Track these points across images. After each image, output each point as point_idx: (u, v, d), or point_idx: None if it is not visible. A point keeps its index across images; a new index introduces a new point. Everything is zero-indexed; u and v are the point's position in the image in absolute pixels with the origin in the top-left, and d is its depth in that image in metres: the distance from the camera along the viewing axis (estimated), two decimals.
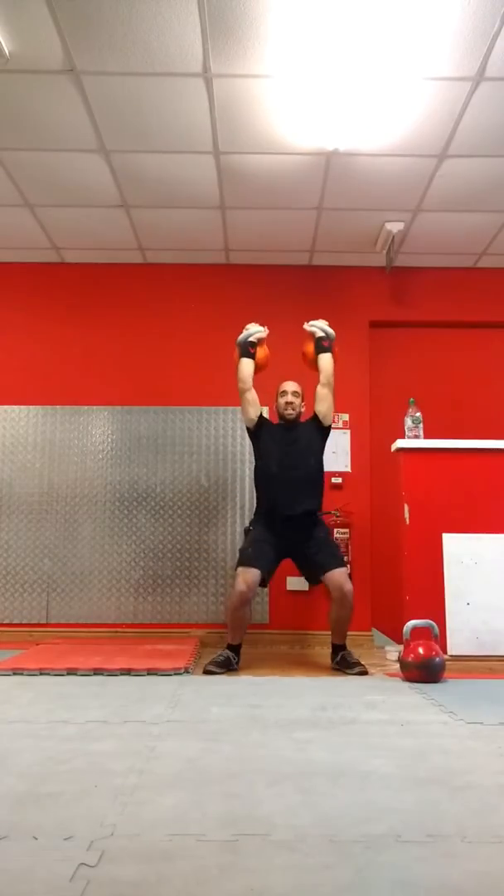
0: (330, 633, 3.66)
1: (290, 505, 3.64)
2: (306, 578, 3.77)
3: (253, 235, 4.61)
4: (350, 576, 4.51)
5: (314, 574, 3.64)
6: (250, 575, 3.51)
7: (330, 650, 3.64)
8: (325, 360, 3.81)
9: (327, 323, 3.89)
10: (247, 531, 3.83)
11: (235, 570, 3.65)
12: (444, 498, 3.77)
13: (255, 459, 3.85)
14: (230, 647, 3.56)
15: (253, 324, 3.88)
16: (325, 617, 3.68)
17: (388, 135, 3.51)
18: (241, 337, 3.82)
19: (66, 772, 1.83)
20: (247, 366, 3.78)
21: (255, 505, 3.96)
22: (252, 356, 3.81)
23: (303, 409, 3.86)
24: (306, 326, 3.91)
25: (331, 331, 3.85)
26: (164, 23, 2.80)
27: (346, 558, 4.53)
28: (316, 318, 4.91)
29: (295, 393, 3.82)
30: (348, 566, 4.54)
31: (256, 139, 3.56)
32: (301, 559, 3.69)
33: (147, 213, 4.34)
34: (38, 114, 3.39)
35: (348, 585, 3.52)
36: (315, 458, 3.78)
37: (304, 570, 3.73)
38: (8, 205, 4.24)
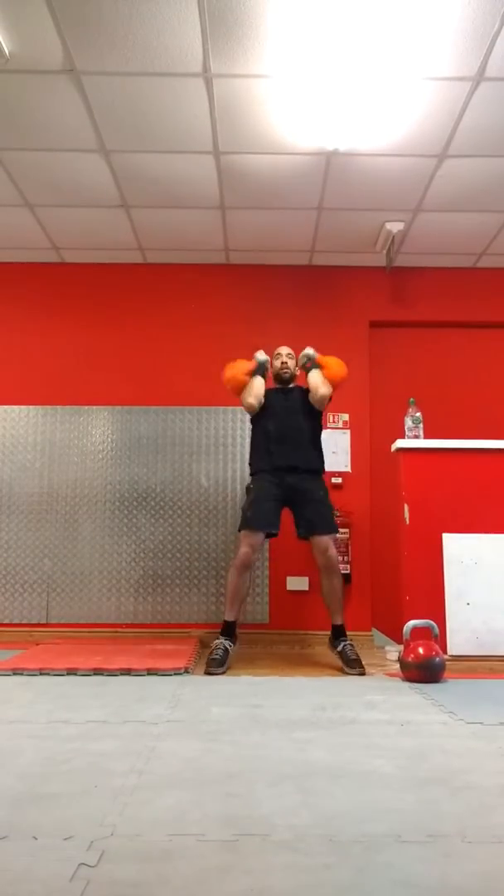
0: (328, 633, 3.68)
1: (288, 456, 3.72)
2: (297, 529, 3.76)
3: (253, 235, 4.61)
4: (350, 575, 4.56)
5: (303, 531, 3.70)
6: (253, 538, 3.63)
7: (328, 648, 3.64)
8: (311, 377, 3.85)
9: (311, 347, 3.94)
10: (248, 490, 3.87)
11: (238, 532, 3.75)
12: (444, 498, 3.77)
13: (252, 424, 3.93)
14: (225, 629, 3.58)
15: (260, 352, 3.95)
16: (325, 615, 3.70)
17: (388, 135, 3.51)
18: (262, 357, 3.90)
19: (66, 772, 1.83)
20: (261, 385, 3.85)
21: None
22: (265, 377, 3.90)
23: (297, 372, 3.98)
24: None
25: (310, 352, 3.91)
26: (164, 23, 2.80)
27: (346, 558, 4.57)
28: (315, 319, 4.97)
29: (289, 355, 3.98)
30: (348, 566, 4.58)
31: (256, 139, 3.56)
32: (296, 511, 3.73)
33: (147, 213, 4.34)
34: (38, 114, 3.39)
35: (332, 550, 3.64)
36: (311, 421, 3.85)
37: (297, 523, 3.75)
38: (8, 205, 4.24)
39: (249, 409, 3.85)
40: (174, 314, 4.95)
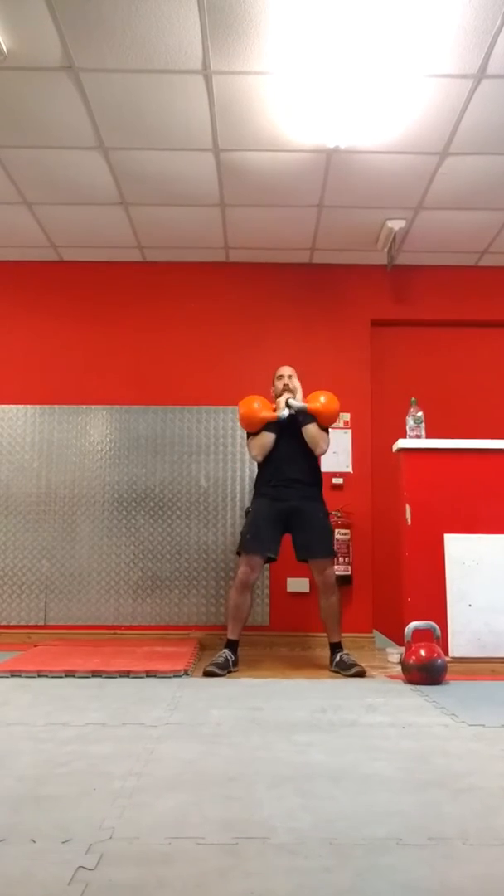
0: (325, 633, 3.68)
1: (291, 470, 3.71)
2: (295, 552, 3.74)
3: (253, 233, 4.60)
4: (351, 576, 4.55)
5: (301, 553, 3.70)
6: (252, 560, 3.62)
7: (329, 669, 3.62)
8: (306, 434, 3.73)
9: (292, 396, 3.78)
10: (247, 512, 3.86)
11: (237, 554, 3.75)
12: (446, 498, 3.75)
13: None
14: (228, 645, 3.57)
15: (286, 405, 3.74)
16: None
17: (389, 132, 3.50)
18: (285, 414, 3.69)
19: (65, 774, 1.82)
20: (271, 442, 3.74)
21: None
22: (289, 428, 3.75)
23: (300, 389, 3.89)
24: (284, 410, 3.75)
25: (297, 404, 3.73)
26: (164, 19, 2.79)
27: (347, 559, 4.56)
28: (316, 318, 4.95)
29: (290, 376, 3.91)
30: (349, 567, 4.57)
31: (256, 136, 3.55)
32: (295, 534, 3.71)
33: (146, 210, 4.32)
34: (37, 111, 3.37)
35: (330, 570, 3.64)
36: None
37: (295, 545, 3.73)
38: (6, 203, 4.23)
39: (254, 458, 3.83)
40: (173, 312, 4.94)
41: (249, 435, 3.85)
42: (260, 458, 3.76)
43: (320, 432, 3.75)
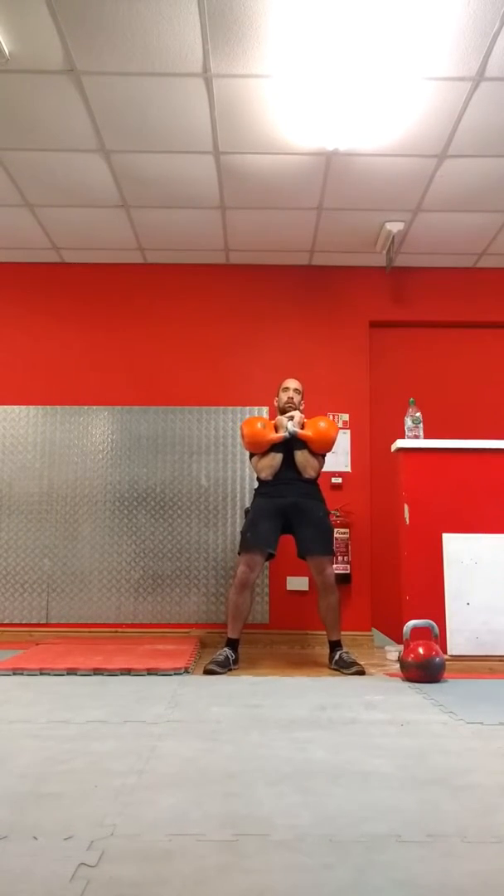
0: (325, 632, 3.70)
1: (291, 471, 3.74)
2: (296, 547, 3.77)
3: (253, 235, 4.61)
4: (350, 575, 4.57)
5: (300, 551, 3.72)
6: (252, 559, 3.63)
7: (329, 667, 3.64)
8: (297, 458, 3.76)
9: (289, 421, 3.78)
10: (247, 512, 3.88)
11: (238, 555, 3.76)
12: (444, 498, 3.77)
13: None
14: (229, 644, 3.59)
15: (290, 423, 3.77)
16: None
17: (388, 135, 3.51)
18: (292, 430, 3.73)
19: (66, 772, 1.83)
20: (279, 462, 3.75)
21: None
22: (290, 445, 3.77)
23: (302, 407, 3.93)
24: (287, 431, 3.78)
25: (291, 428, 3.74)
26: (165, 23, 2.80)
27: (346, 558, 4.58)
28: (315, 319, 4.96)
29: (296, 390, 3.95)
30: (348, 566, 4.58)
31: (256, 139, 3.56)
32: (295, 531, 3.74)
33: (147, 213, 4.34)
34: (38, 114, 3.39)
35: (329, 570, 3.66)
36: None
37: (296, 542, 3.76)
38: (8, 205, 4.24)
39: (263, 477, 3.80)
40: (174, 314, 4.95)
41: (252, 454, 3.87)
42: (270, 478, 3.76)
43: (308, 459, 3.75)
